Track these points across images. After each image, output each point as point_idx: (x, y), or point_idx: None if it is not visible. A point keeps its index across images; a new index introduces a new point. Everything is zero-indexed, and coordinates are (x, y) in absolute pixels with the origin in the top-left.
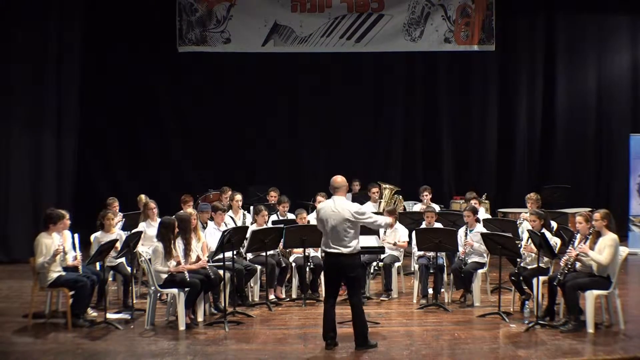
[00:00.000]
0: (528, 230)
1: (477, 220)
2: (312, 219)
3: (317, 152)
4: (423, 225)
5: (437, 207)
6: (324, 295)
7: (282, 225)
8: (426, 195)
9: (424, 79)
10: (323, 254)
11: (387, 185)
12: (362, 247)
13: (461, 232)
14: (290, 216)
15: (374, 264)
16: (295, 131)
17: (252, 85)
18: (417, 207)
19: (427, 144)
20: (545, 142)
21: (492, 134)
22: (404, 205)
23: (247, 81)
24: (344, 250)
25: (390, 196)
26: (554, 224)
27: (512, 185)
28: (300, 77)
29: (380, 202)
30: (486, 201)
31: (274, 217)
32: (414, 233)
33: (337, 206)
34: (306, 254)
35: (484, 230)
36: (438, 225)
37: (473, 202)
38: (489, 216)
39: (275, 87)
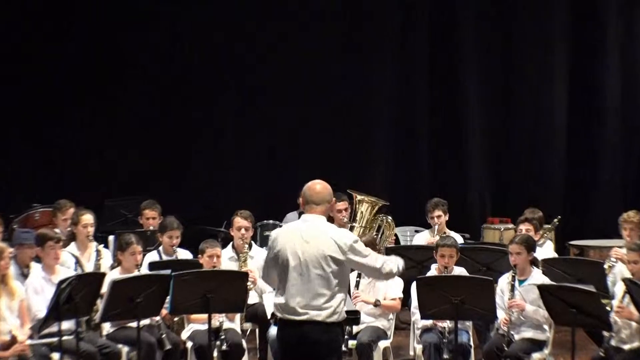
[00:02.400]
0: (625, 280)
1: (534, 263)
2: (227, 259)
3: (241, 139)
4: (432, 272)
5: (458, 238)
6: None
7: (167, 271)
8: (438, 217)
9: (432, 18)
10: (275, 321)
11: (365, 197)
12: None
13: (503, 283)
14: (184, 254)
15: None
16: (200, 103)
17: (125, 24)
18: (422, 238)
19: (439, 126)
20: None
21: (557, 108)
22: (395, 234)
23: (119, 17)
24: (318, 316)
25: (370, 216)
26: None
27: (595, 199)
28: (214, 18)
29: (352, 227)
30: (549, 225)
31: (153, 257)
32: (414, 285)
33: (311, 232)
34: (217, 323)
35: (545, 281)
36: (460, 270)
37: (524, 228)
38: (553, 254)
39: (168, 26)
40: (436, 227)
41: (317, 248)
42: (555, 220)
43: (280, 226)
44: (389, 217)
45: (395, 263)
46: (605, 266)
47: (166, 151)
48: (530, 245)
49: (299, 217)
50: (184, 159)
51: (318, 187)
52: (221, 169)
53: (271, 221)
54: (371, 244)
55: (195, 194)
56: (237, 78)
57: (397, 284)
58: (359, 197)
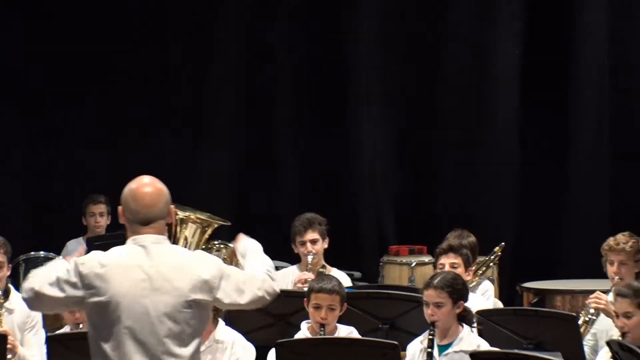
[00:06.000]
0: (611, 344)
1: (464, 318)
2: None
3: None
4: (303, 332)
5: (343, 279)
6: None
7: None
8: (313, 243)
9: None
10: None
11: (191, 214)
12: None
13: (414, 349)
14: None
15: None
16: None
17: None
18: (285, 278)
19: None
20: None
21: (505, 82)
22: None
23: None
24: None
25: (200, 243)
26: None
27: (564, 218)
28: None
29: None
30: (485, 258)
31: None
32: (272, 354)
33: (161, 267)
34: None
35: (482, 345)
36: (347, 330)
37: (447, 262)
38: (494, 302)
39: None
40: (309, 259)
41: (175, 293)
42: (497, 248)
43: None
44: (231, 245)
45: (273, 276)
46: (580, 321)
47: None
48: (458, 290)
49: (88, 245)
50: None
51: (148, 195)
52: None
53: (42, 253)
54: None
55: None
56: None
57: (247, 350)
58: (180, 215)
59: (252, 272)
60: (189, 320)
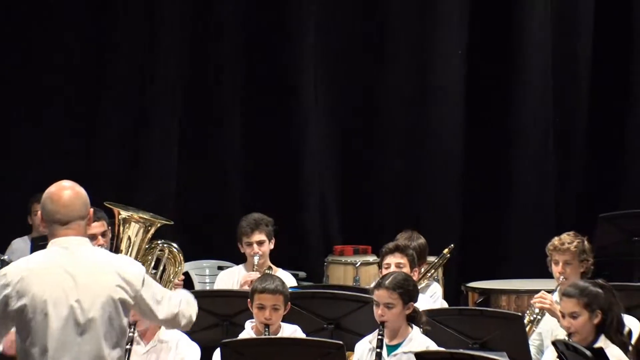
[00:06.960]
0: (556, 344)
1: (414, 318)
2: None
3: None
4: (247, 332)
5: (288, 279)
6: None
7: None
8: (260, 244)
9: None
10: None
11: (134, 214)
12: None
13: (362, 350)
14: None
15: None
16: None
17: None
18: (230, 278)
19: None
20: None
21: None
22: (185, 272)
23: None
24: None
25: (143, 243)
26: (633, 323)
27: (509, 217)
28: None
29: None
30: (434, 258)
31: None
32: (217, 354)
33: (82, 266)
34: None
35: (430, 346)
36: (291, 329)
37: (393, 261)
38: (441, 303)
39: None
40: (255, 260)
41: (101, 292)
42: (446, 250)
43: (5, 260)
44: (174, 245)
45: (192, 304)
46: (526, 321)
47: None
48: (409, 291)
49: (33, 244)
50: None
51: (66, 195)
52: None
53: None
54: None
55: None
56: None
57: (192, 349)
58: (123, 214)
59: (171, 293)
60: (114, 321)
